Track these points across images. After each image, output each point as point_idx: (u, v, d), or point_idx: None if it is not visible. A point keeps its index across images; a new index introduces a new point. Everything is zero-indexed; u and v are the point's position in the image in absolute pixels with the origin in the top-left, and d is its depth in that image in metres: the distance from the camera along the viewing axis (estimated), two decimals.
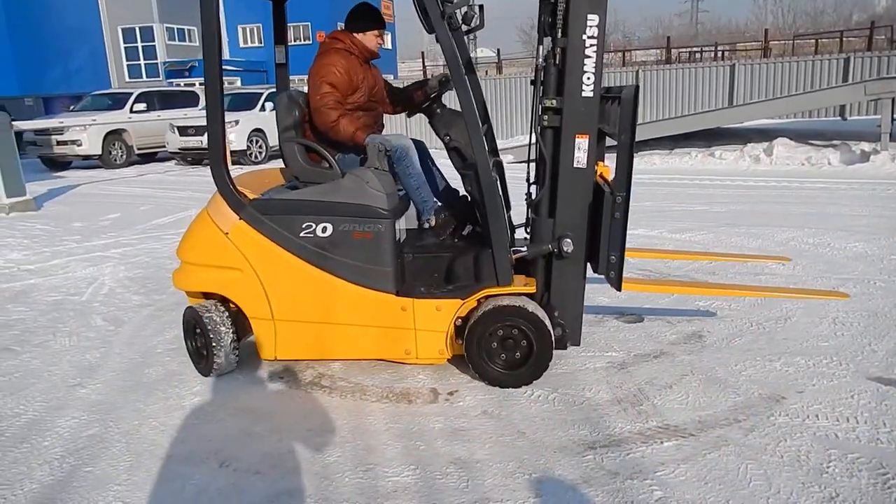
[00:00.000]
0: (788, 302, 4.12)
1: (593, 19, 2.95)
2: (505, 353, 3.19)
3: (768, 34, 24.31)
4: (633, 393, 3.10)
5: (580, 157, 3.10)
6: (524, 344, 3.16)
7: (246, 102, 15.27)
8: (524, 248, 3.33)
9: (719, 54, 28.76)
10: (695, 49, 31.27)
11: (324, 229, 3.22)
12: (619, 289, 3.12)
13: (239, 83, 31.45)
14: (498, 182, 3.27)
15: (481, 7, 3.21)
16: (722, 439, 2.67)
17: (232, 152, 14.15)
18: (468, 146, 3.37)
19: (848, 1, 50.48)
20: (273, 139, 14.82)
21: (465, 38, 3.69)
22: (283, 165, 3.72)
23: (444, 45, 3.02)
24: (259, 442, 2.81)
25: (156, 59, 34.48)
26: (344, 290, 3.24)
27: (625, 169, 2.93)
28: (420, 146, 3.71)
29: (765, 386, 3.09)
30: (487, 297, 3.21)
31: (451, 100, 3.16)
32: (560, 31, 3.05)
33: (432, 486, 2.46)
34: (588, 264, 3.24)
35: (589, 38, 2.98)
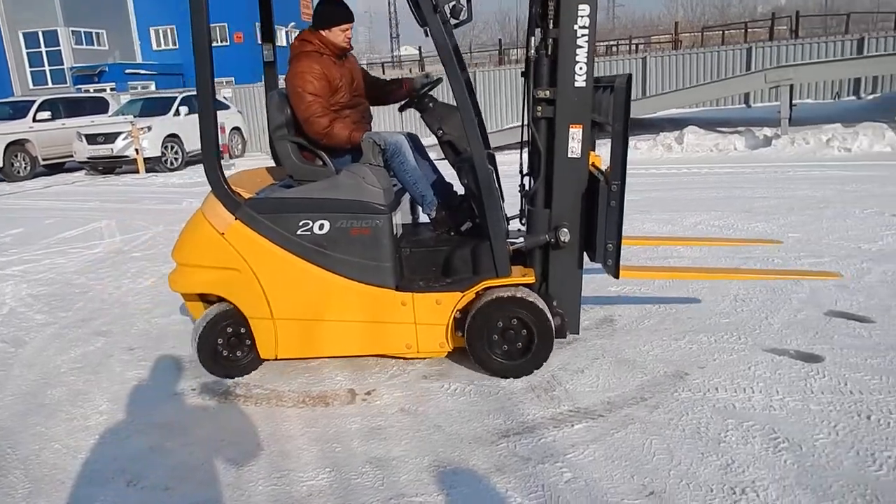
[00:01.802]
0: (694, 283, 4.31)
1: (584, 9, 2.99)
2: (506, 343, 3.20)
3: (678, 27, 25.33)
4: (547, 380, 3.17)
5: (574, 146, 3.14)
6: (525, 334, 3.18)
7: (159, 107, 14.75)
8: (519, 240, 3.36)
9: (634, 47, 29.71)
10: (611, 42, 32.19)
11: (321, 226, 3.20)
12: (616, 276, 3.17)
13: (153, 87, 30.38)
14: (494, 174, 3.29)
15: (469, 0, 3.20)
16: (629, 418, 2.77)
17: (146, 159, 13.67)
18: (461, 139, 3.39)
19: None
20: (189, 145, 14.39)
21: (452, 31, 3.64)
22: (271, 164, 3.68)
23: (436, 38, 3.02)
24: (169, 457, 2.73)
25: (62, 64, 32.80)
26: (343, 286, 3.23)
27: (619, 157, 2.98)
28: (414, 140, 3.70)
29: (670, 364, 3.22)
30: (486, 288, 3.22)
31: (441, 94, 3.19)
32: (552, 21, 3.07)
33: (347, 486, 2.45)
34: (585, 253, 3.29)
35: (580, 27, 3.01)
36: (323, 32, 3.47)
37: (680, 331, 3.62)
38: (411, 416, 2.93)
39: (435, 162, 3.78)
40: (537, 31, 3.15)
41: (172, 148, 14.11)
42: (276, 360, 3.42)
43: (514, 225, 3.59)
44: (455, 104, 3.18)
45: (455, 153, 3.53)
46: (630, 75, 2.99)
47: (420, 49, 24.12)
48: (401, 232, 3.57)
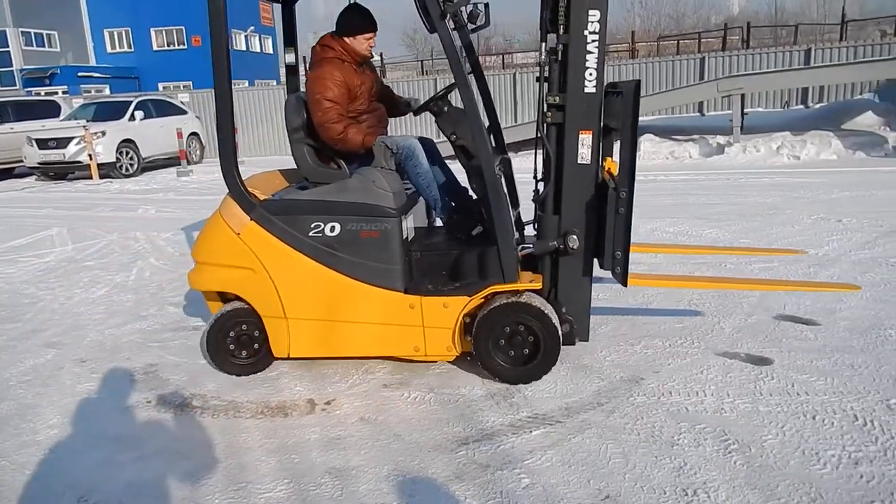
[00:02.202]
0: (650, 289, 4.40)
1: (594, 15, 2.99)
2: (513, 349, 3.20)
3: (635, 36, 25.84)
4: (506, 387, 3.20)
5: (584, 153, 3.14)
6: (531, 340, 3.18)
7: (114, 112, 14.39)
8: (531, 245, 3.36)
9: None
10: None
11: (332, 228, 3.25)
12: (625, 284, 3.14)
13: (108, 91, 29.65)
14: (503, 179, 3.29)
15: (486, 5, 3.19)
16: (586, 423, 2.82)
17: (100, 165, 13.33)
18: (473, 144, 3.37)
19: (706, 4, 54.49)
20: (145, 150, 14.09)
21: (470, 36, 3.70)
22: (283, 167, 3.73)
23: (445, 44, 3.03)
24: (123, 471, 2.67)
25: (11, 66, 31.83)
26: (353, 288, 3.26)
27: (627, 164, 2.99)
28: (429, 144, 3.70)
29: (626, 369, 3.29)
30: (494, 293, 3.22)
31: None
32: (562, 27, 3.08)
33: (306, 498, 2.43)
34: (595, 260, 3.29)
35: (590, 33, 3.01)
36: (346, 39, 3.51)
37: (636, 336, 3.70)
38: (371, 425, 2.93)
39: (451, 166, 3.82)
40: (549, 37, 3.17)
41: (128, 153, 13.78)
42: (288, 358, 3.46)
43: (530, 230, 3.61)
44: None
45: (468, 157, 3.54)
46: (639, 81, 3.00)
47: (381, 55, 24.09)
48: (413, 235, 3.60)
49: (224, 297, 3.61)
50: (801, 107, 13.98)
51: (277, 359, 3.53)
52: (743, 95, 11.40)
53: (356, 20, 3.51)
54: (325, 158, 3.58)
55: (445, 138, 3.47)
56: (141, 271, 5.88)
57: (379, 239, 3.23)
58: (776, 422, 2.72)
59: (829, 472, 2.37)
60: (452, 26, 3.10)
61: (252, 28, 37.76)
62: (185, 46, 33.78)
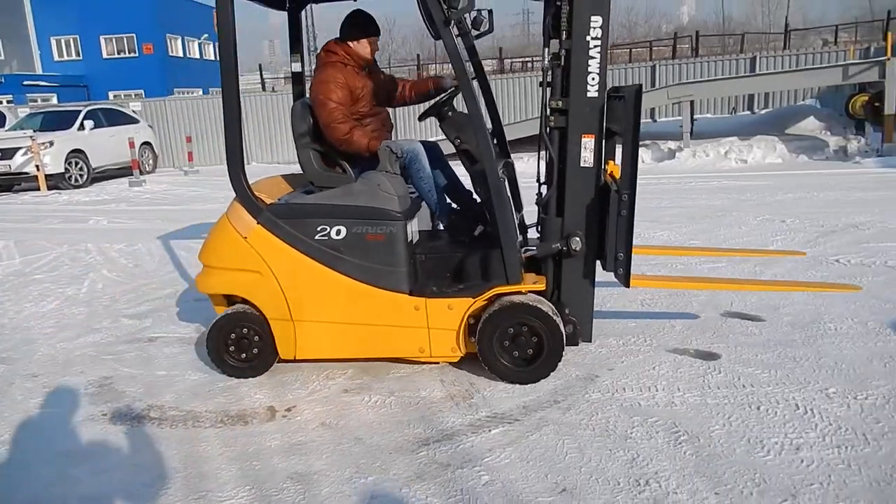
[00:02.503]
0: (605, 289, 4.51)
1: (596, 21, 3.05)
2: (518, 350, 3.23)
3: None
4: (465, 388, 3.26)
5: (587, 156, 3.18)
6: (535, 341, 3.21)
7: (62, 121, 14.02)
8: (534, 247, 3.40)
9: (533, 66, 30.63)
10: (526, 59, 33.10)
11: (338, 232, 3.30)
12: (627, 285, 3.21)
13: (55, 100, 28.83)
14: (506, 183, 3.33)
15: (490, 11, 3.22)
16: (543, 420, 2.89)
17: (48, 176, 12.98)
18: (478, 148, 3.41)
19: (657, 13, 55.90)
20: (95, 160, 13.77)
21: (474, 42, 3.74)
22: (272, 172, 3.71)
23: (449, 50, 3.07)
24: (78, 486, 2.63)
25: None
26: (358, 290, 3.31)
27: (629, 167, 3.03)
28: (433, 149, 3.73)
29: (581, 367, 3.37)
30: (498, 295, 3.24)
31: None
32: (564, 33, 3.13)
33: (268, 503, 2.44)
34: (598, 262, 3.35)
35: (592, 39, 3.07)
36: (350, 44, 3.60)
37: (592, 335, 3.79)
38: (332, 429, 2.95)
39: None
40: (552, 43, 3.23)
41: (77, 164, 13.43)
42: (294, 360, 3.50)
43: (532, 233, 3.66)
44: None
45: (471, 161, 3.59)
46: (640, 86, 3.06)
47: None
48: (417, 238, 3.63)
49: (230, 300, 3.62)
50: (748, 112, 14.46)
51: (283, 361, 3.55)
52: (692, 102, 11.76)
53: (359, 25, 3.62)
54: (331, 163, 3.65)
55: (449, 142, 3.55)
56: (93, 283, 5.76)
57: (384, 242, 3.28)
58: (723, 413, 2.84)
59: (772, 458, 2.49)
60: (456, 32, 3.14)
61: (206, 36, 37.21)
62: (136, 54, 33.08)
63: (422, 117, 3.81)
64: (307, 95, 3.83)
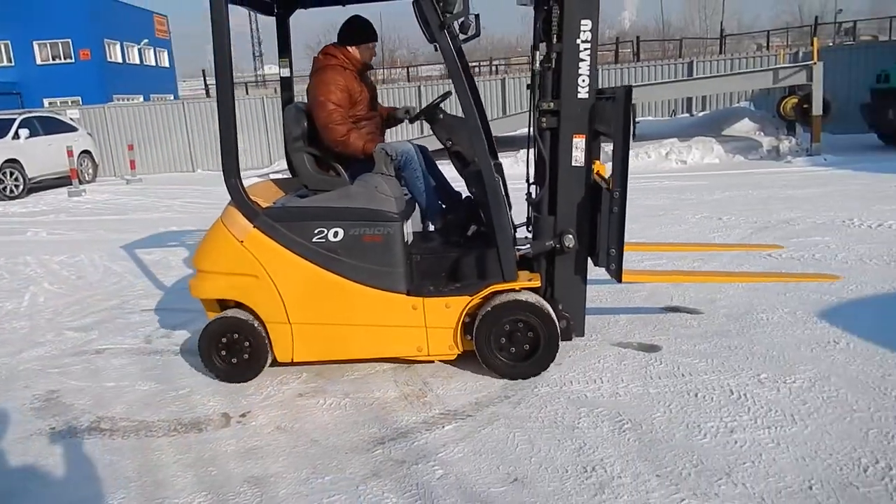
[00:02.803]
0: None
1: (586, 24, 3.16)
2: (513, 346, 3.30)
3: (517, 50, 26.78)
4: (419, 387, 3.33)
5: (578, 156, 3.28)
6: (531, 336, 3.28)
7: None
8: (526, 246, 3.47)
9: (494, 68, 31.03)
10: (473, 64, 33.43)
11: (335, 234, 3.33)
12: (619, 280, 3.31)
13: None
14: (500, 183, 3.37)
15: (477, 16, 3.25)
16: (494, 415, 2.99)
17: None
18: (469, 149, 3.49)
19: (600, 19, 57.07)
20: (31, 170, 13.30)
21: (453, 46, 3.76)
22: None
23: (445, 53, 3.13)
24: (29, 500, 2.60)
25: None
26: (356, 291, 3.34)
27: (620, 165, 3.12)
28: (423, 151, 3.78)
29: None
30: (494, 292, 3.31)
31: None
32: (556, 36, 3.21)
33: None
34: (588, 258, 3.43)
35: (583, 42, 3.18)
36: (349, 48, 3.69)
37: None
38: (288, 433, 2.98)
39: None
40: (541, 45, 3.31)
41: (12, 174, 12.94)
42: (292, 363, 3.53)
43: (521, 232, 3.74)
44: (463, 116, 3.31)
45: (462, 163, 3.66)
46: (630, 87, 3.16)
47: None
48: (411, 239, 3.67)
49: (223, 305, 3.61)
50: (687, 115, 14.97)
51: (280, 364, 3.57)
52: (634, 105, 12.11)
53: (359, 30, 3.71)
54: (324, 166, 3.67)
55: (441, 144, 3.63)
56: (34, 297, 5.60)
57: (382, 243, 3.33)
58: (664, 401, 2.99)
59: (708, 441, 2.64)
60: (428, 38, 3.21)
61: (146, 41, 36.30)
62: (73, 60, 31.95)
63: (413, 120, 3.91)
64: (297, 99, 3.93)
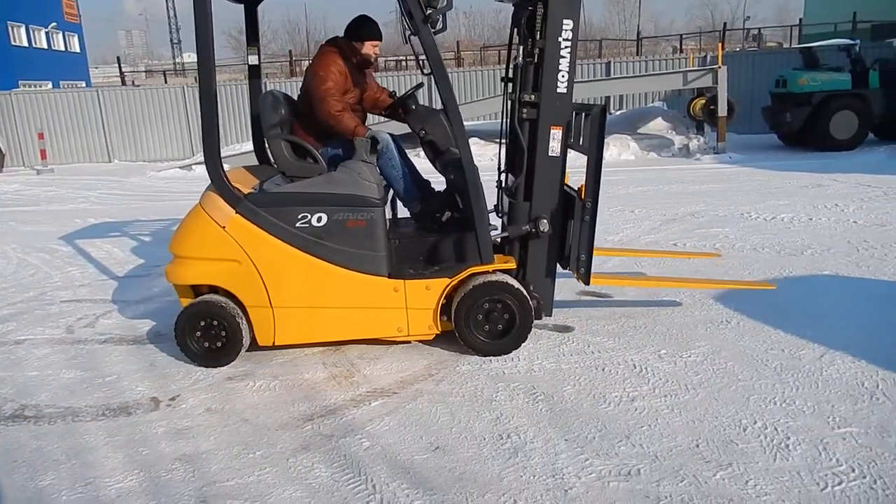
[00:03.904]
0: None
1: (568, 24, 3.36)
2: (489, 324, 3.48)
3: (461, 45, 27.14)
4: (347, 368, 3.48)
5: (554, 146, 3.49)
6: (507, 316, 3.48)
7: None
8: (495, 231, 3.64)
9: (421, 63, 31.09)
10: (400, 58, 33.43)
11: (319, 219, 3.41)
12: (587, 283, 3.57)
13: None
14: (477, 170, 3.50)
15: (443, 14, 3.32)
16: (419, 392, 3.17)
17: None
18: (443, 139, 3.64)
19: None
20: None
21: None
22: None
23: (427, 45, 3.22)
24: None
25: None
26: (339, 275, 3.44)
27: (593, 177, 3.36)
28: (396, 140, 3.87)
29: (453, 345, 3.64)
30: (472, 274, 3.47)
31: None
32: (539, 33, 3.38)
33: (158, 483, 2.54)
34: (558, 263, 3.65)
35: (564, 40, 3.38)
36: (355, 43, 3.83)
37: None
38: (218, 414, 3.07)
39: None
40: (520, 40, 3.50)
41: None
42: (273, 347, 3.58)
43: (490, 218, 3.83)
44: (435, 106, 3.43)
45: (435, 152, 3.77)
46: (605, 106, 3.42)
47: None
48: (388, 225, 3.74)
49: (197, 291, 3.62)
50: None
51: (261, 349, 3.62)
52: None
53: (367, 28, 3.86)
54: (302, 154, 3.72)
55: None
56: None
57: (365, 227, 3.44)
58: (574, 375, 3.26)
59: (612, 409, 2.92)
60: (411, 32, 3.30)
61: (54, 24, 34.35)
62: None
63: (387, 109, 4.04)
64: (265, 90, 4.03)
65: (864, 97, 11.16)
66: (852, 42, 12.01)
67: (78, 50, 37.98)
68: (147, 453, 2.75)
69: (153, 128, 16.20)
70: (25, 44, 32.50)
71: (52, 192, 11.40)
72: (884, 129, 11.69)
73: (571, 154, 3.69)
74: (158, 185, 11.83)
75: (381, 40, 3.96)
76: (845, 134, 11.20)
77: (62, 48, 35.92)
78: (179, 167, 13.57)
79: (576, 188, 3.58)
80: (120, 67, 22.47)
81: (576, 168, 3.57)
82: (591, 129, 3.42)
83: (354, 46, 3.87)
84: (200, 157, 14.26)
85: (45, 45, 34.37)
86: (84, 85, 26.14)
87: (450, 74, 15.78)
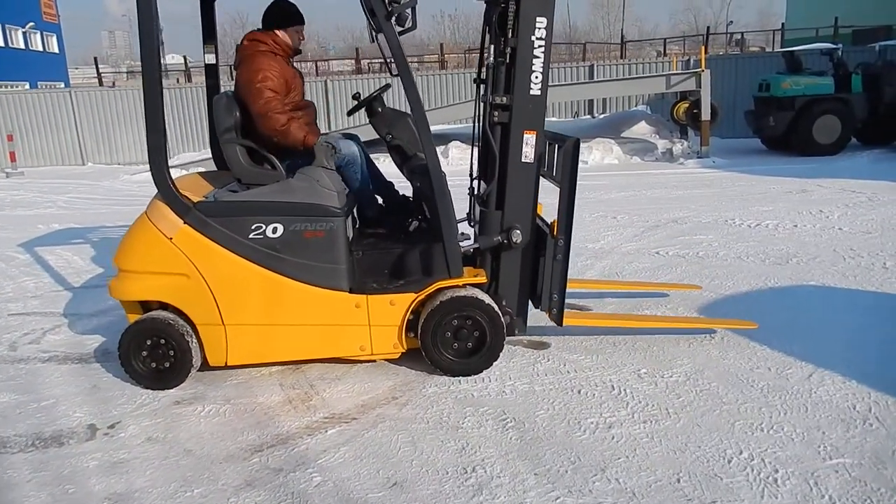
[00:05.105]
0: None
1: (542, 22, 3.12)
2: (458, 342, 3.25)
3: (444, 48, 26.92)
4: (305, 390, 3.23)
5: (528, 151, 3.23)
6: (477, 334, 3.25)
7: None
8: (466, 242, 3.39)
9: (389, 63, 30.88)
10: (380, 61, 33.15)
11: (274, 230, 3.16)
12: (560, 324, 3.36)
13: None
14: (445, 176, 3.26)
15: (413, 9, 3.09)
16: (380, 417, 2.93)
17: None
18: (410, 144, 3.43)
19: None
20: None
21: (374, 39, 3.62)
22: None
23: (391, 44, 3.00)
24: None
25: None
26: (296, 290, 3.20)
27: (565, 214, 3.14)
28: (357, 141, 3.66)
29: (420, 364, 3.42)
30: (440, 289, 3.24)
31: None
32: (511, 31, 3.14)
33: None
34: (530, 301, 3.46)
35: (537, 39, 3.14)
36: (278, 33, 3.54)
37: None
38: (159, 444, 2.81)
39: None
40: (491, 39, 3.28)
41: None
42: (225, 367, 3.33)
43: (462, 227, 3.62)
44: (402, 110, 3.21)
45: (402, 157, 3.55)
46: (578, 140, 3.17)
47: (185, 58, 22.71)
48: (352, 235, 3.51)
49: (146, 307, 3.36)
50: (588, 117, 15.47)
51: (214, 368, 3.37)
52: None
53: (286, 13, 3.57)
54: (259, 159, 3.45)
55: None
56: None
57: (324, 239, 3.19)
58: (548, 398, 3.03)
59: (587, 437, 2.69)
60: (375, 30, 3.08)
61: (32, 24, 33.77)
62: None
63: (350, 112, 3.79)
64: (223, 89, 3.75)
65: (846, 101, 11.08)
66: (835, 46, 11.95)
67: (56, 50, 37.38)
68: (74, 491, 2.49)
69: (128, 130, 15.83)
70: (1, 44, 31.91)
71: (18, 196, 11.03)
72: (866, 133, 11.63)
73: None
74: (131, 188, 11.49)
75: (303, 24, 3.68)
76: (828, 138, 11.10)
77: (40, 48, 35.31)
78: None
79: (548, 222, 3.35)
80: (97, 67, 21.91)
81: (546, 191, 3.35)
82: (564, 162, 3.21)
83: (279, 37, 3.58)
84: (176, 160, 14.01)
85: (22, 46, 33.76)
86: (63, 86, 25.60)
87: (433, 77, 15.62)
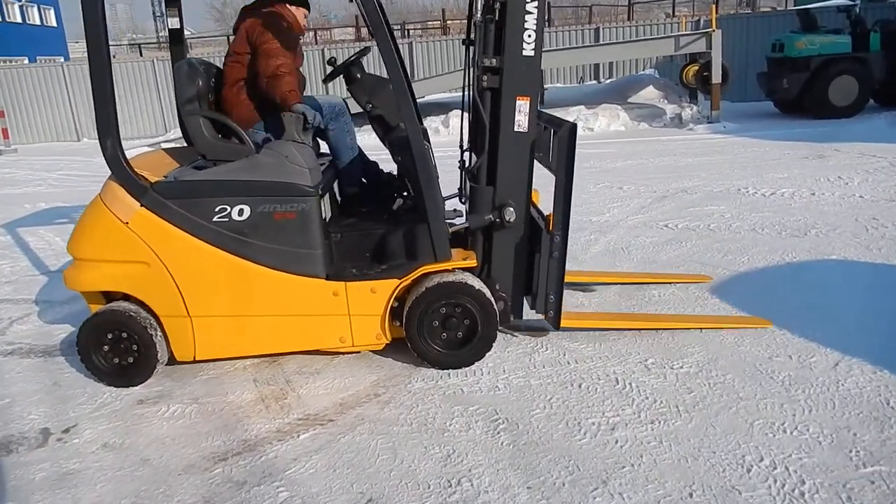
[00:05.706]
0: None
1: None
2: (446, 332, 2.98)
3: (446, 14, 26.26)
4: (280, 387, 2.96)
5: (521, 120, 2.91)
6: (467, 323, 2.98)
7: None
8: (457, 220, 3.11)
9: (406, 32, 30.22)
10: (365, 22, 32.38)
11: (240, 212, 2.88)
12: (557, 327, 3.06)
13: None
14: (430, 150, 2.97)
15: None
16: (359, 418, 2.65)
17: None
18: (393, 114, 3.13)
19: None
20: None
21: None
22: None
23: (368, 8, 2.72)
24: None
25: None
26: (267, 277, 2.93)
27: (562, 207, 2.82)
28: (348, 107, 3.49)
29: (406, 355, 3.13)
30: (425, 274, 2.96)
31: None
32: None
33: None
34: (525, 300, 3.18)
35: None
36: (290, 7, 3.37)
37: None
38: (115, 451, 2.55)
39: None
40: None
41: None
42: (193, 362, 3.07)
43: (451, 204, 3.36)
44: (384, 76, 2.94)
45: (384, 129, 3.28)
46: (575, 124, 2.82)
47: (185, 30, 22.11)
48: (330, 215, 3.22)
49: (109, 297, 3.10)
50: (594, 82, 14.95)
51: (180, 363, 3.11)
52: (542, 71, 11.91)
53: None
54: (226, 132, 3.14)
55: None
56: None
57: (296, 221, 2.90)
58: (545, 394, 2.74)
59: (587, 441, 2.40)
60: None
61: None
62: None
63: (327, 79, 3.48)
64: (188, 56, 3.48)
65: (864, 61, 10.55)
66: (852, 3, 11.37)
67: (55, 24, 36.77)
68: None
69: (123, 104, 15.40)
70: None
71: (8, 174, 10.75)
72: (884, 94, 11.11)
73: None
74: None
75: (309, 10, 3.47)
76: (845, 100, 10.60)
77: (38, 22, 34.73)
78: (148, 146, 12.90)
79: (545, 214, 3.02)
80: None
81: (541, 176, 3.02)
82: (560, 149, 2.85)
83: (289, 10, 3.37)
84: (171, 134, 13.66)
85: (19, 19, 33.19)
86: (62, 60, 25.10)
87: (435, 43, 15.13)
